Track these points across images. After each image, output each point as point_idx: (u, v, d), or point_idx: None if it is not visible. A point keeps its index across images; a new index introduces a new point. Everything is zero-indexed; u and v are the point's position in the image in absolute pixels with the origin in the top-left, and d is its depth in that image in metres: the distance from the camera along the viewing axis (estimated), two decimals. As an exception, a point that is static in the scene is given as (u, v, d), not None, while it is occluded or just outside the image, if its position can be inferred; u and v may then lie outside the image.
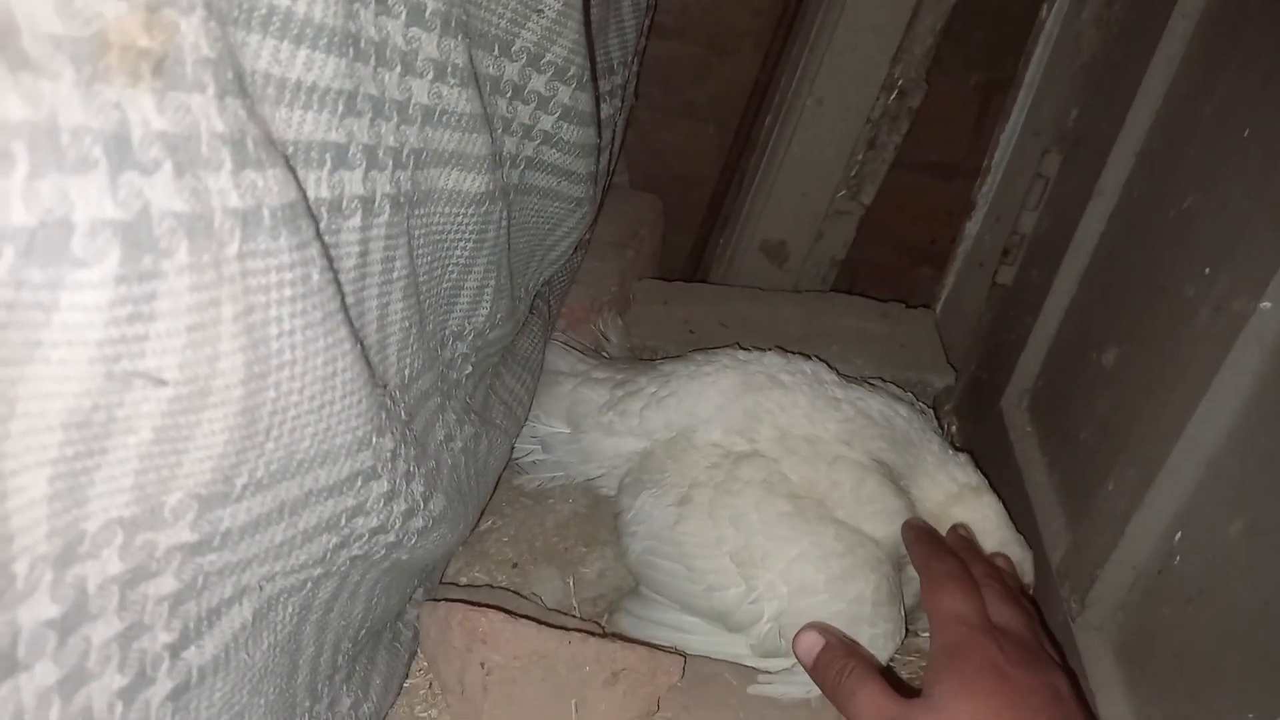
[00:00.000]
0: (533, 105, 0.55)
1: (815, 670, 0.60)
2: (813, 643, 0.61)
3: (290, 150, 0.32)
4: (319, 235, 0.32)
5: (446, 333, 0.55)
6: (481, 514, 0.71)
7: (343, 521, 0.39)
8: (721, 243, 1.30)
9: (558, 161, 0.61)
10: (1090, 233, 0.88)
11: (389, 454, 0.41)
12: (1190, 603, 0.61)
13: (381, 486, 0.41)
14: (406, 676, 0.66)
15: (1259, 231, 0.59)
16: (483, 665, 0.58)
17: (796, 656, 0.62)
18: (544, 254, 0.71)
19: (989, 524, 0.73)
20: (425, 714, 0.66)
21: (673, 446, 0.77)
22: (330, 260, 0.33)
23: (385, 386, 0.42)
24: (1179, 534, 0.64)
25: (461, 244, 0.51)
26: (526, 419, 0.81)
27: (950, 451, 0.79)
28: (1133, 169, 0.84)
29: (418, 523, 0.47)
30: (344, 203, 0.36)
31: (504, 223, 0.55)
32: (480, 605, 0.61)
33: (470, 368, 0.61)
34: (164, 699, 0.30)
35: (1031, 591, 0.73)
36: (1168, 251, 0.74)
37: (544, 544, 0.88)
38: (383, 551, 0.45)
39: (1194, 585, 0.61)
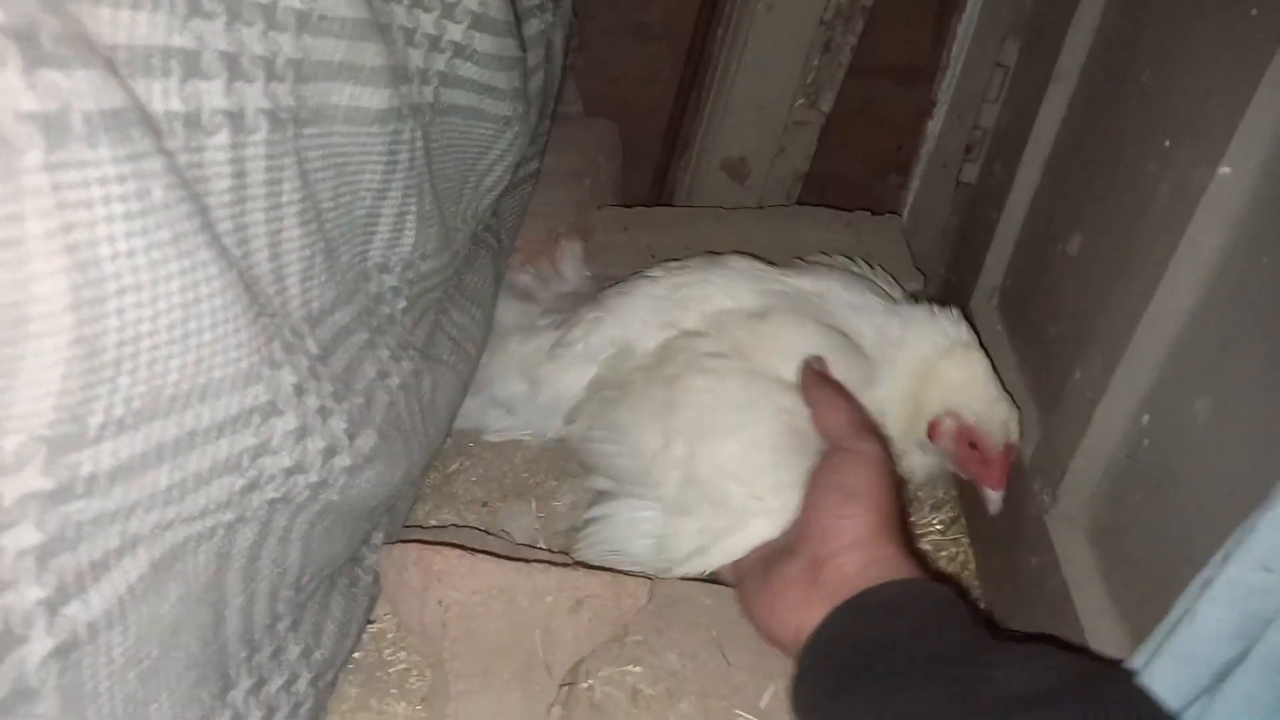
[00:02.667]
0: (436, 13, 0.51)
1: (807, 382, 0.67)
2: (821, 363, 0.68)
3: (121, 55, 0.29)
4: (163, 149, 0.29)
5: (369, 264, 0.52)
6: (434, 453, 0.69)
7: (245, 462, 0.37)
8: (682, 165, 1.26)
9: (475, 76, 0.57)
10: (1051, 119, 0.85)
11: (291, 389, 0.38)
12: (1160, 486, 0.60)
13: (287, 423, 0.39)
14: (368, 621, 0.65)
15: (1215, 97, 0.56)
16: (440, 603, 0.57)
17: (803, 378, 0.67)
18: (477, 180, 0.68)
19: (978, 381, 0.71)
20: (393, 656, 0.65)
21: (615, 362, 0.78)
22: (183, 178, 0.31)
23: (279, 318, 0.39)
24: (1146, 417, 0.62)
25: (371, 167, 0.48)
26: (480, 355, 0.78)
27: (937, 309, 0.76)
28: (1091, 48, 0.80)
29: (343, 461, 0.45)
30: (203, 116, 0.33)
31: (419, 144, 0.52)
32: (437, 544, 0.60)
33: (404, 302, 0.58)
34: (45, 657, 0.29)
35: (1019, 447, 0.72)
36: (1128, 129, 0.71)
37: (514, 481, 0.87)
38: (306, 493, 0.43)
39: (1163, 468, 0.60)
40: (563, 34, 0.89)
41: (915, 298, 0.83)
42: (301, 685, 0.51)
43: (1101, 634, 0.62)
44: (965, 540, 0.88)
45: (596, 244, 1.04)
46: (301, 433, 0.40)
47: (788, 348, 0.71)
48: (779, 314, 0.75)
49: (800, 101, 1.14)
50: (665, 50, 1.26)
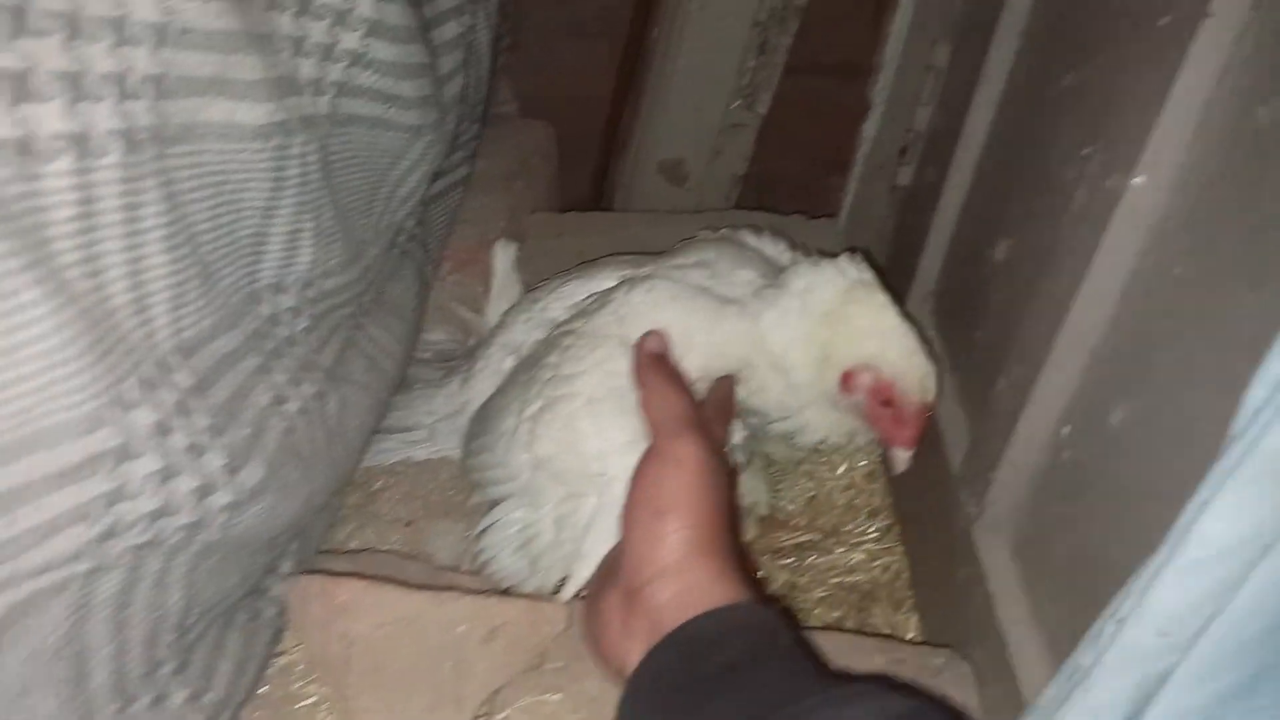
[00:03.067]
0: (327, 21, 0.49)
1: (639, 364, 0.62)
2: (655, 343, 0.63)
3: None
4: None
5: (259, 286, 0.50)
6: (346, 476, 0.66)
7: (98, 510, 0.34)
8: (621, 167, 1.24)
9: (376, 85, 0.55)
10: (980, 123, 0.84)
11: (150, 429, 0.36)
12: (1079, 498, 0.59)
13: (147, 465, 0.36)
14: (271, 655, 0.62)
15: (1129, 104, 0.56)
16: (344, 636, 0.55)
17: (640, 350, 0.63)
18: (390, 191, 0.65)
19: (890, 327, 0.66)
20: (303, 690, 0.62)
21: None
22: (6, 211, 0.28)
23: (140, 351, 0.37)
24: (1067, 428, 0.62)
25: (254, 185, 0.46)
26: (400, 373, 0.76)
27: (834, 257, 0.72)
28: (1017, 51, 0.80)
29: (222, 499, 0.43)
30: (38, 142, 0.31)
31: (312, 158, 0.50)
32: (341, 574, 0.57)
33: (306, 322, 0.56)
34: None
35: (934, 405, 0.68)
36: (1050, 134, 0.70)
37: (440, 498, 0.84)
38: (180, 535, 0.41)
39: (1082, 480, 0.59)
40: (489, 35, 0.86)
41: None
42: (192, 729, 0.48)
43: (1023, 647, 0.62)
44: (900, 549, 0.87)
45: (530, 250, 1.02)
46: (166, 474, 0.38)
47: (627, 308, 0.69)
48: (623, 283, 0.73)
49: (736, 103, 1.13)
50: (603, 49, 1.25)
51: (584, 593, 0.63)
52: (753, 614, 0.47)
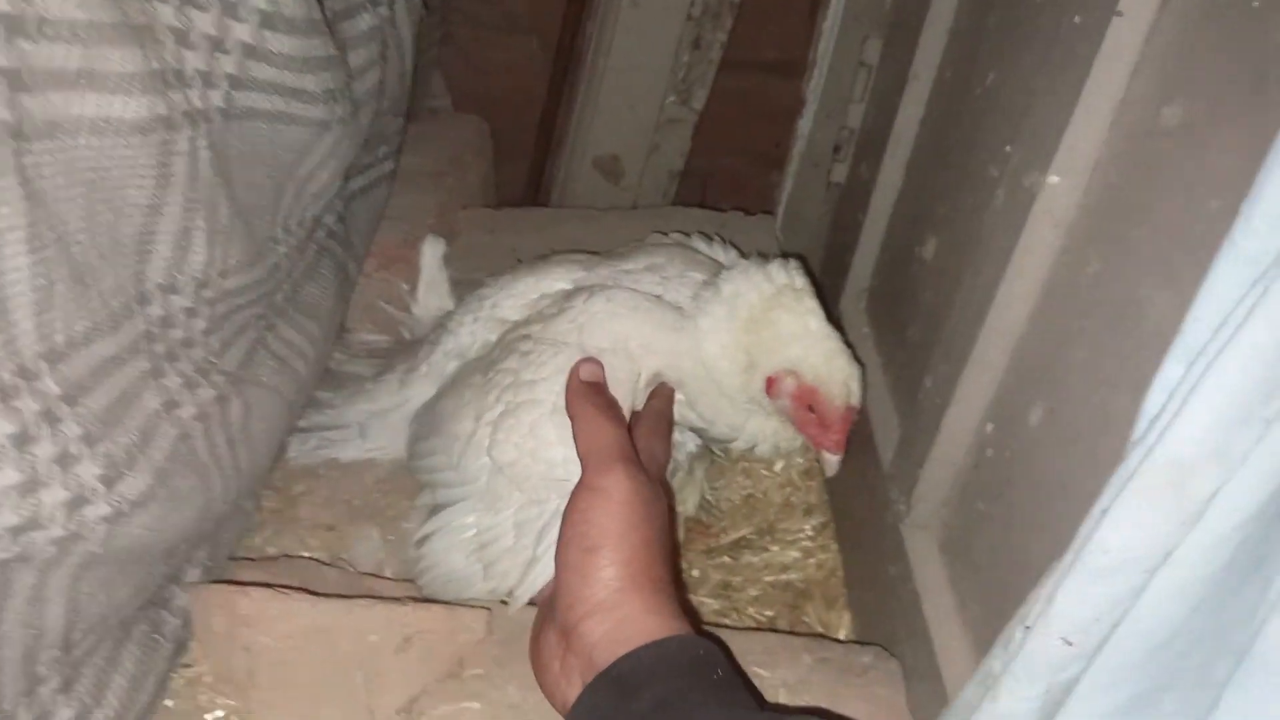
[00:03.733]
0: (214, 12, 0.46)
1: (570, 391, 0.62)
2: (589, 371, 0.62)
3: None
4: None
5: (147, 287, 0.47)
6: (253, 482, 0.64)
7: (-51, 527, 0.32)
8: (557, 163, 1.22)
9: (274, 79, 0.53)
10: (910, 120, 0.84)
11: (8, 440, 0.34)
12: (1000, 495, 0.59)
13: (6, 478, 0.34)
14: (183, 665, 0.59)
15: (1045, 103, 0.56)
16: (248, 649, 0.53)
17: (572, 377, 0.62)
18: (298, 188, 0.63)
19: (813, 332, 0.66)
20: (210, 703, 0.60)
21: (453, 374, 0.77)
22: None
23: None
24: (990, 426, 0.62)
25: (135, 182, 0.43)
26: (315, 374, 0.74)
27: (769, 260, 0.71)
28: (945, 48, 0.80)
29: (99, 510, 0.40)
30: None
31: (203, 154, 0.48)
32: (245, 583, 0.55)
33: (204, 323, 0.54)
34: None
35: (858, 408, 0.68)
36: (975, 132, 0.70)
37: (364, 503, 0.82)
38: (52, 549, 0.39)
39: (1004, 477, 0.59)
40: (411, 27, 0.84)
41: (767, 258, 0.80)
42: (79, 751, 0.46)
43: (949, 644, 0.62)
44: (834, 547, 0.87)
45: (461, 246, 1.00)
46: (29, 486, 0.35)
47: (585, 316, 0.68)
48: (583, 289, 0.73)
49: (671, 99, 1.12)
50: (536, 43, 1.23)
51: (537, 598, 0.62)
52: (685, 647, 0.47)
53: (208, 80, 0.48)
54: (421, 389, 0.79)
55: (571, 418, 0.59)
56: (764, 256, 0.72)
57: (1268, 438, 0.28)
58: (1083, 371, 0.51)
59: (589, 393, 0.61)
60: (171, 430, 0.49)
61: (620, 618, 0.48)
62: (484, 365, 0.72)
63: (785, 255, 0.71)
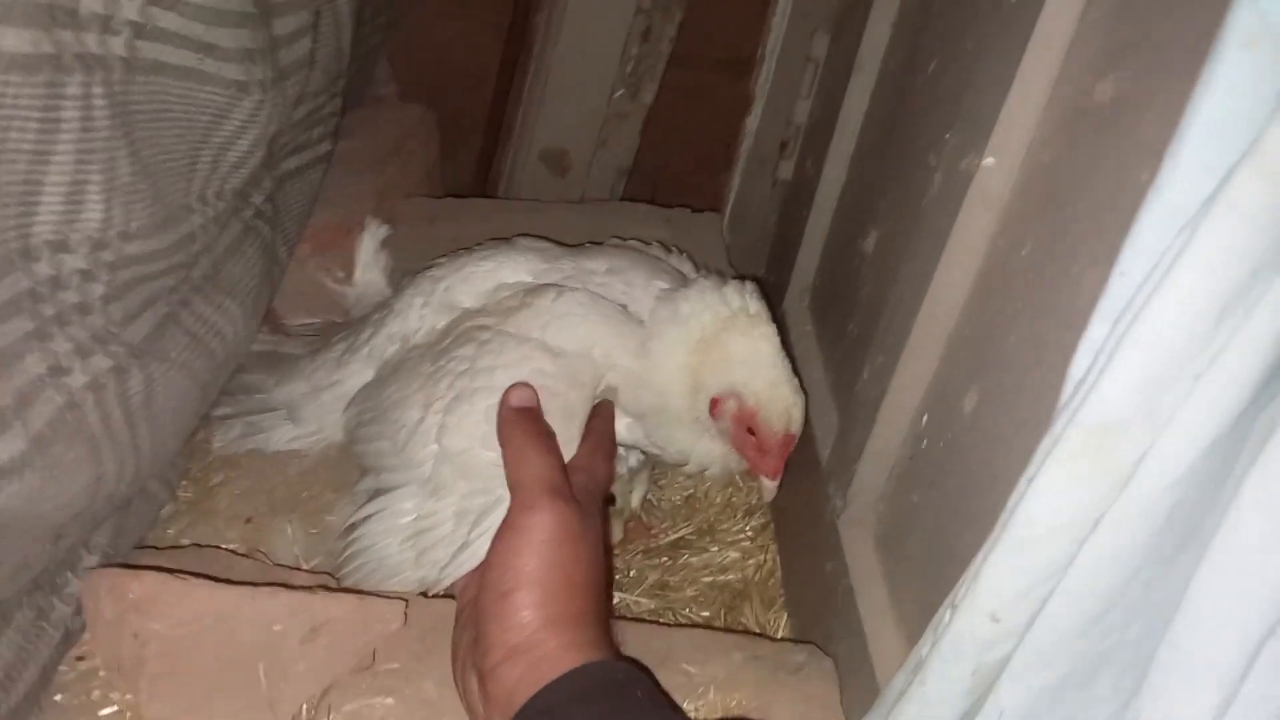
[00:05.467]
0: (113, -50, 0.44)
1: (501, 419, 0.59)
2: (521, 396, 0.60)
3: None
4: None
5: (33, 240, 0.44)
6: (159, 463, 0.60)
7: None
8: (504, 155, 1.20)
9: (183, 30, 0.50)
10: (854, 113, 0.83)
11: None
12: (934, 485, 0.58)
13: None
14: (76, 658, 0.56)
15: (982, 84, 0.55)
16: (136, 636, 0.50)
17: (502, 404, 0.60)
18: (215, 155, 0.60)
19: (762, 357, 0.65)
20: (103, 698, 0.56)
21: (395, 358, 0.74)
22: None
23: None
24: (925, 417, 0.61)
25: (18, 124, 0.40)
26: (234, 356, 0.71)
27: (728, 280, 0.70)
28: (889, 40, 0.79)
29: (-40, 474, 0.37)
30: None
31: (99, 103, 0.45)
32: (140, 568, 0.52)
33: (102, 288, 0.50)
34: None
35: (797, 436, 0.67)
36: (917, 121, 0.69)
37: (285, 494, 0.79)
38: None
39: (937, 467, 0.58)
40: (350, 4, 0.81)
41: (724, 278, 0.79)
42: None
43: (882, 639, 0.60)
44: (774, 547, 0.86)
45: (400, 235, 0.97)
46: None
47: (551, 315, 0.67)
48: (550, 285, 0.71)
49: (620, 92, 1.11)
50: (486, 30, 1.20)
51: (455, 586, 0.61)
52: (603, 671, 0.47)
53: (106, 25, 0.45)
54: (360, 370, 0.76)
55: (501, 445, 0.58)
56: (720, 276, 0.72)
57: (1196, 393, 0.27)
58: (1015, 354, 0.50)
59: (519, 419, 0.58)
60: (56, 397, 0.45)
61: (538, 656, 0.47)
62: (433, 353, 0.69)
63: (740, 277, 0.71)
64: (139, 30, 0.48)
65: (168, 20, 0.49)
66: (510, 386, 0.60)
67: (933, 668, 0.41)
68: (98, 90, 0.45)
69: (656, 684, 0.49)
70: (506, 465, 0.56)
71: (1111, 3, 0.46)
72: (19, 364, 0.43)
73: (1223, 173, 0.25)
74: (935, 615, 0.44)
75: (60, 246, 0.46)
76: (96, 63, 0.45)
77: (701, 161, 1.33)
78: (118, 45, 0.47)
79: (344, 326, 0.86)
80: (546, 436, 0.58)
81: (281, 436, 0.80)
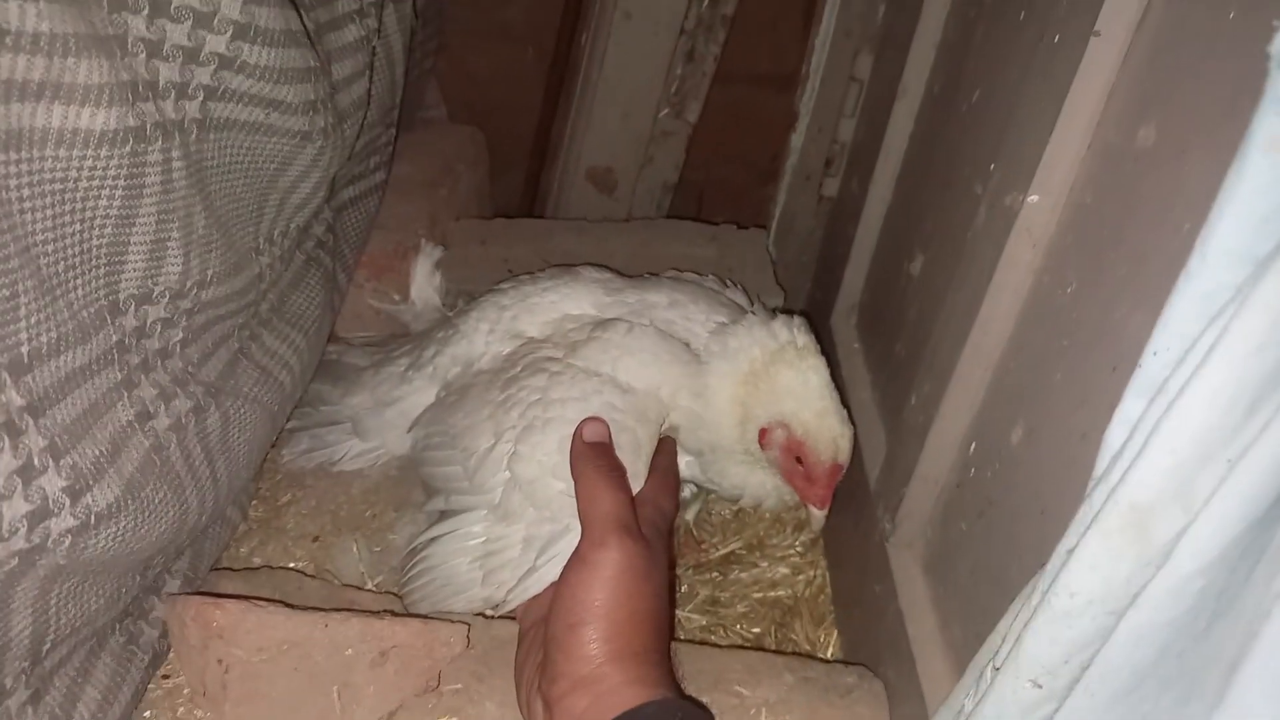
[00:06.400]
0: (187, 23, 0.46)
1: (574, 453, 0.61)
2: (595, 431, 0.61)
3: None
4: None
5: (120, 296, 0.47)
6: (233, 493, 0.64)
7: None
8: (551, 175, 1.22)
9: (252, 90, 0.53)
10: (899, 135, 0.84)
11: (-37, 452, 0.34)
12: (982, 515, 0.59)
13: (-38, 491, 0.34)
14: (162, 677, 0.59)
15: (1026, 121, 0.55)
16: (220, 662, 0.53)
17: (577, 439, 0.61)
18: (280, 199, 0.63)
19: (810, 389, 0.67)
20: (188, 715, 0.60)
21: (458, 380, 0.77)
22: None
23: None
24: (973, 445, 0.61)
25: (105, 193, 0.43)
26: (300, 384, 0.74)
27: (778, 314, 0.73)
28: (933, 63, 0.80)
29: (64, 523, 0.40)
30: None
31: (176, 165, 0.48)
32: (220, 595, 0.55)
33: (180, 334, 0.53)
34: None
35: (845, 469, 0.68)
36: (962, 148, 0.70)
37: (349, 513, 0.82)
38: (14, 561, 0.39)
39: (985, 497, 0.59)
40: (402, 37, 0.84)
41: (774, 311, 0.81)
42: (46, 764, 0.46)
43: (931, 666, 0.61)
44: (823, 564, 0.87)
45: (452, 257, 1.00)
46: (-12, 499, 0.35)
47: (621, 350, 0.69)
48: (619, 320, 0.73)
49: (665, 111, 1.12)
50: (531, 54, 1.23)
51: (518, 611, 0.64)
52: (664, 711, 0.48)
53: (182, 92, 0.48)
54: (424, 388, 0.79)
55: (574, 478, 0.59)
56: (771, 311, 0.74)
57: (1231, 479, 0.28)
58: (1061, 392, 0.51)
59: (592, 455, 0.60)
60: (144, 441, 0.48)
61: (602, 691, 0.49)
62: (502, 381, 0.71)
63: (789, 312, 0.73)
64: (211, 93, 0.50)
65: (237, 82, 0.51)
66: (584, 420, 0.62)
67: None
68: (176, 154, 0.48)
69: None
70: (579, 499, 0.57)
71: (1151, 49, 0.46)
72: (110, 413, 0.46)
73: (1251, 265, 0.26)
74: (974, 664, 0.45)
75: (144, 300, 0.49)
76: (175, 127, 0.48)
77: (744, 175, 1.34)
78: (193, 109, 0.49)
79: (407, 340, 0.89)
80: (618, 472, 0.59)
81: (347, 451, 0.83)
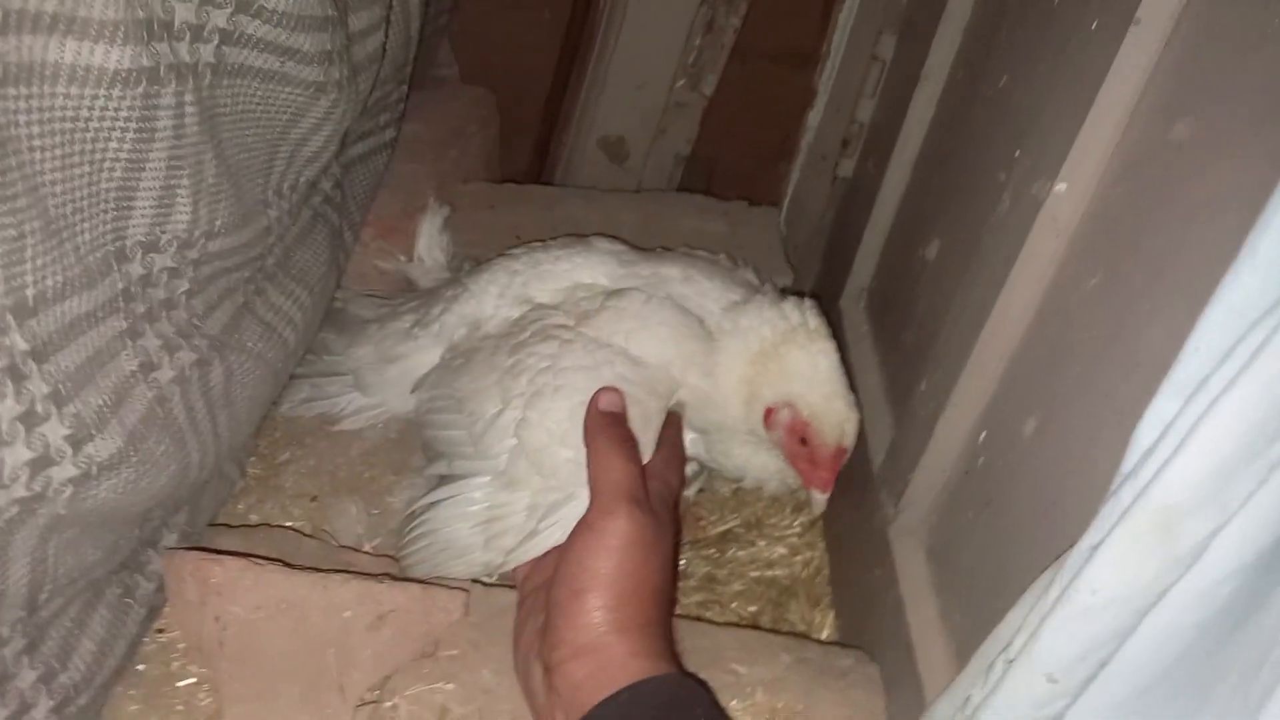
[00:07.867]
0: (207, -36, 0.45)
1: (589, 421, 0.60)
2: (610, 401, 0.61)
3: None
4: None
5: (128, 243, 0.46)
6: (234, 448, 0.63)
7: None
8: (562, 141, 1.21)
9: (268, 36, 0.51)
10: (919, 118, 0.82)
11: (-34, 396, 0.33)
12: (988, 505, 0.58)
13: (-36, 436, 0.33)
14: (156, 630, 0.59)
15: (1056, 109, 0.54)
16: (218, 619, 0.52)
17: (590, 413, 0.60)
18: (291, 151, 0.62)
19: (820, 371, 0.66)
20: (182, 669, 0.59)
21: (464, 343, 0.76)
22: None
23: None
24: (983, 434, 0.61)
25: (116, 135, 0.42)
26: (304, 342, 0.73)
27: (789, 296, 0.73)
28: (959, 48, 0.78)
29: (65, 471, 0.39)
30: None
31: (189, 110, 0.46)
32: (219, 552, 0.54)
33: (187, 284, 0.52)
34: None
35: (850, 451, 0.68)
36: (985, 134, 0.69)
37: (348, 474, 0.81)
38: (15, 509, 0.38)
39: (994, 487, 0.58)
40: (421, -2, 0.83)
41: (784, 292, 0.80)
42: (39, 714, 0.45)
43: (930, 654, 0.61)
44: (821, 545, 0.86)
45: (459, 220, 0.99)
46: (-11, 445, 0.34)
47: (636, 322, 0.68)
48: (632, 290, 0.72)
49: (681, 82, 1.11)
50: (547, 17, 1.21)
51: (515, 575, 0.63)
52: (666, 686, 0.48)
53: (197, 34, 0.47)
54: (428, 346, 0.78)
55: (587, 446, 0.59)
56: (781, 292, 0.73)
57: (1271, 482, 0.27)
58: (1076, 389, 0.50)
59: (606, 424, 0.60)
60: (147, 393, 0.48)
61: (604, 660, 0.49)
62: (509, 346, 0.70)
63: (799, 294, 0.72)
64: (226, 37, 0.49)
65: (254, 27, 0.50)
66: (600, 390, 0.62)
67: (985, 718, 0.42)
68: (189, 99, 0.46)
69: (715, 701, 0.51)
70: (591, 467, 0.57)
71: (1194, 40, 0.45)
72: (114, 362, 0.45)
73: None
74: (981, 653, 0.45)
75: (151, 247, 0.48)
76: (189, 71, 0.46)
77: (757, 153, 1.32)
78: (207, 53, 0.48)
79: (414, 295, 0.88)
80: (630, 443, 0.59)
81: (347, 405, 0.83)
